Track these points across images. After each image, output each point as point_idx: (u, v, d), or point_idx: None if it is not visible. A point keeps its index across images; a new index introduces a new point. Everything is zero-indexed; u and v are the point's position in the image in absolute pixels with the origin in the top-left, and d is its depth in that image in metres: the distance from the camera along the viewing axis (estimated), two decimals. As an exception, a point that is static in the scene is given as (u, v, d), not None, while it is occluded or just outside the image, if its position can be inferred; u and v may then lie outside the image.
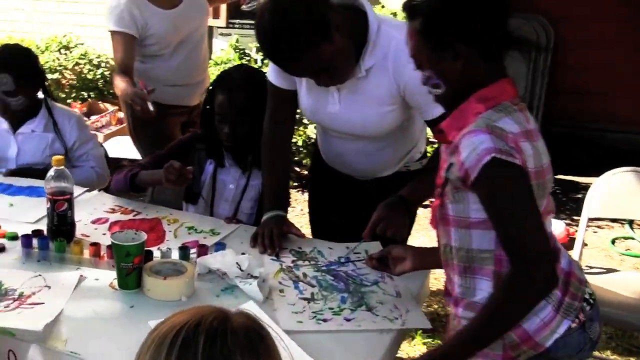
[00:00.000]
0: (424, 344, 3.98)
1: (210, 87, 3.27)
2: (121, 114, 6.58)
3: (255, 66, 3.11)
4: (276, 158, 3.05)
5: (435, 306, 4.35)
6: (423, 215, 5.31)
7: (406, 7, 2.08)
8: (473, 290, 2.08)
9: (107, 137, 6.74)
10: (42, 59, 7.15)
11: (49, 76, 7.14)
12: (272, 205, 2.96)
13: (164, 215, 3.13)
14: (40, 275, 2.54)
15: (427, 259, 2.46)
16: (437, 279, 4.24)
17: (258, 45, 2.70)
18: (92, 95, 7.52)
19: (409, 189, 2.81)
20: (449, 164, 2.02)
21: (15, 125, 3.68)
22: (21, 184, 3.38)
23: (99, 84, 7.55)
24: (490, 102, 2.00)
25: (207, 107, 3.24)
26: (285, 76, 2.89)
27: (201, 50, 4.34)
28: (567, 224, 5.41)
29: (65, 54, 7.66)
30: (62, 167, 2.79)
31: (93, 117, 7.02)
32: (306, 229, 3.47)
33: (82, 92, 7.56)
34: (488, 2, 2.01)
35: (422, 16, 2.03)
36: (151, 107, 3.49)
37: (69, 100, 7.38)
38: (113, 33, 4.01)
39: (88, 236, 2.87)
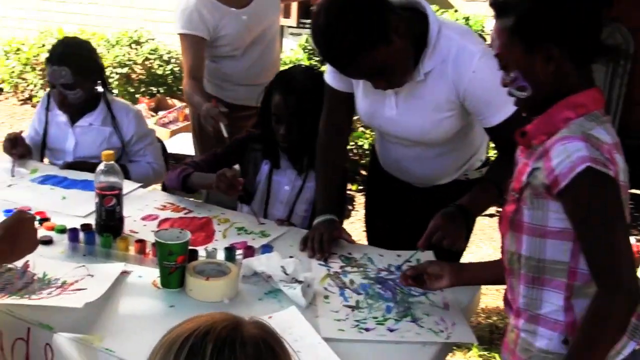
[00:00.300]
0: (480, 356, 3.90)
1: (268, 87, 3.25)
2: (188, 111, 6.63)
3: (324, 67, 3.07)
4: (330, 161, 3.02)
5: (494, 318, 4.26)
6: (488, 225, 5.24)
7: (496, 4, 2.00)
8: (539, 302, 2.01)
9: (174, 133, 6.81)
10: (112, 53, 7.30)
11: (118, 70, 7.29)
12: (324, 209, 2.93)
13: (215, 214, 3.12)
14: (84, 265, 2.57)
15: (464, 275, 2.41)
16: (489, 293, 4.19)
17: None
18: (161, 91, 7.60)
19: (468, 199, 2.74)
20: (533, 168, 1.95)
21: (73, 118, 3.73)
22: (75, 177, 3.41)
23: (168, 79, 7.63)
24: (581, 110, 1.93)
25: (264, 107, 3.22)
26: (342, 78, 2.85)
27: (273, 49, 4.22)
28: (638, 240, 5.26)
29: (136, 48, 7.75)
30: (112, 162, 2.80)
31: (161, 113, 7.10)
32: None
33: (151, 88, 7.65)
34: (585, 4, 1.93)
35: (515, 14, 1.95)
36: (225, 132, 3.33)
37: (137, 95, 7.47)
38: (182, 36, 3.89)
39: (136, 232, 2.88)
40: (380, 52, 2.49)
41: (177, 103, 7.28)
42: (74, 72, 3.53)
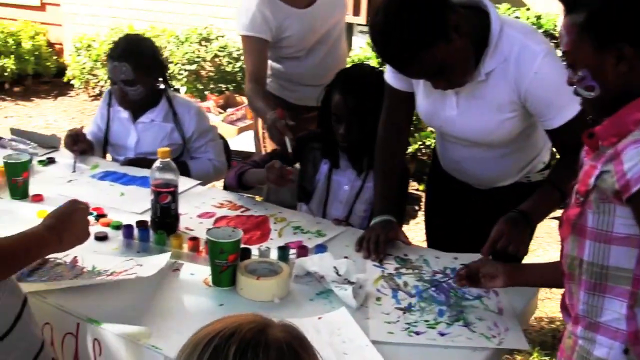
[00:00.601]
0: (540, 361, 3.86)
1: (328, 86, 3.25)
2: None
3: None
4: (389, 161, 3.01)
5: (557, 323, 4.20)
6: (555, 228, 5.15)
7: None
8: (600, 310, 1.95)
9: (241, 130, 6.84)
10: (181, 50, 7.38)
11: (187, 67, 7.37)
12: (382, 209, 2.92)
13: (272, 213, 3.13)
14: (132, 259, 2.61)
15: (520, 276, 2.37)
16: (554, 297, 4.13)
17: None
18: (230, 88, 7.65)
19: (531, 204, 2.67)
20: (601, 171, 1.88)
21: (135, 114, 3.79)
22: (135, 173, 3.46)
23: (237, 77, 7.67)
24: None
25: (324, 106, 3.23)
26: (402, 77, 2.84)
27: (339, 48, 4.07)
28: None
29: (205, 45, 7.81)
30: (168, 159, 2.83)
31: (229, 110, 7.15)
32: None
33: (220, 85, 7.70)
34: None
35: (587, 10, 1.90)
36: (289, 146, 3.22)
37: (206, 92, 7.53)
38: (244, 37, 3.80)
39: (192, 230, 2.91)
40: (439, 50, 2.46)
41: (245, 101, 7.30)
42: (134, 68, 3.58)
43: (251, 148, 5.91)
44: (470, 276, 2.41)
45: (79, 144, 3.65)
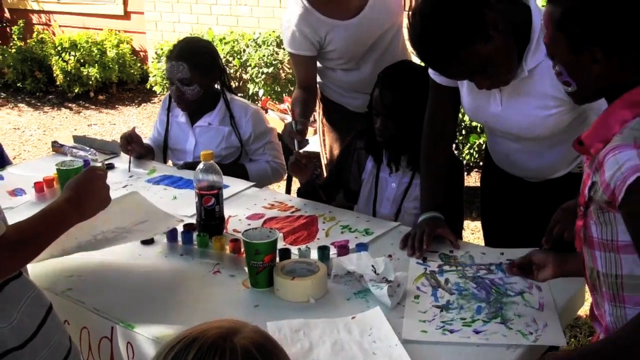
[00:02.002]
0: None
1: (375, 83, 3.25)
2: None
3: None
4: (434, 156, 2.99)
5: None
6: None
7: None
8: (625, 321, 1.90)
9: (317, 131, 6.85)
10: (259, 53, 7.44)
11: (264, 70, 7.41)
12: (428, 206, 2.90)
13: (321, 213, 3.14)
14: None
15: (569, 266, 2.29)
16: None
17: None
18: (307, 90, 7.67)
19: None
20: (592, 182, 1.87)
21: (193, 118, 3.86)
22: (190, 177, 3.49)
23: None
24: (638, 108, 1.82)
25: (370, 102, 3.25)
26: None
27: (395, 52, 3.80)
28: None
29: (283, 48, 7.85)
30: (211, 161, 2.87)
31: (302, 112, 7.18)
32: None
33: (298, 86, 7.73)
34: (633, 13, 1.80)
35: (563, 7, 1.87)
36: (296, 147, 3.34)
37: (284, 94, 7.58)
38: (289, 52, 3.81)
39: (239, 232, 2.93)
40: (479, 49, 2.44)
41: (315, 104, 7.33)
42: (191, 67, 3.66)
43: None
44: (523, 266, 2.38)
45: (132, 144, 3.73)
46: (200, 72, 3.70)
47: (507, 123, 2.76)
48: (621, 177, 1.74)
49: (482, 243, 3.30)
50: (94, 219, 2.30)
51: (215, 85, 3.85)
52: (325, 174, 4.05)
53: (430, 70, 2.90)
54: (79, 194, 2.19)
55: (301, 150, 3.30)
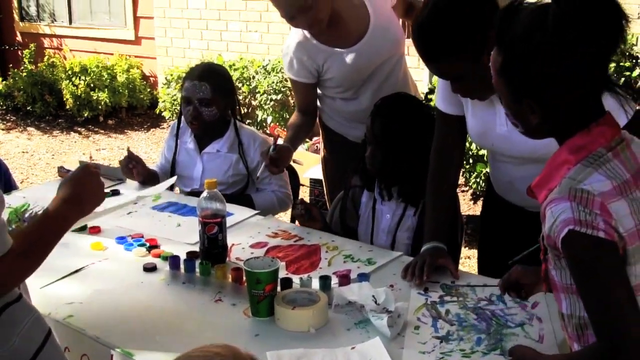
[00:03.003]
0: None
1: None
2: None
3: (433, 96, 3.05)
4: (441, 187, 3.00)
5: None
6: None
7: (498, 25, 1.95)
8: None
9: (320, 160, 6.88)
10: (268, 80, 7.48)
11: (273, 97, 7.45)
12: (432, 236, 2.91)
13: (325, 242, 3.15)
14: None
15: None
16: None
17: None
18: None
19: None
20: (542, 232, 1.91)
21: (202, 144, 3.89)
22: (194, 204, 3.52)
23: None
24: (581, 153, 1.85)
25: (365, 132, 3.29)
26: (452, 101, 2.87)
27: (396, 81, 3.75)
28: None
29: (292, 75, 7.90)
30: (215, 190, 2.89)
31: (315, 138, 7.20)
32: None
33: (307, 114, 7.77)
34: (571, 59, 1.81)
35: (504, 55, 1.90)
36: (260, 170, 3.58)
37: (292, 121, 7.62)
38: (289, 78, 3.85)
39: (242, 260, 2.94)
40: (466, 66, 2.53)
41: (310, 128, 7.35)
42: (213, 89, 3.72)
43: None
44: (512, 286, 2.41)
45: (132, 162, 3.80)
46: (220, 94, 3.76)
47: (514, 143, 2.75)
48: (557, 230, 1.79)
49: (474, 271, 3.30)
50: None
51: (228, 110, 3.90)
52: (328, 204, 4.06)
53: (437, 102, 2.94)
54: (76, 192, 2.20)
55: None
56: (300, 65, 3.67)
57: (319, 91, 3.84)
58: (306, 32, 3.60)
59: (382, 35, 3.62)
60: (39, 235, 2.06)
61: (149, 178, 3.86)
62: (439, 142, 3.00)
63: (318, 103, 3.92)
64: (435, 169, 3.01)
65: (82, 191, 2.22)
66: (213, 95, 3.72)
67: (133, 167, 3.80)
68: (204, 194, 2.89)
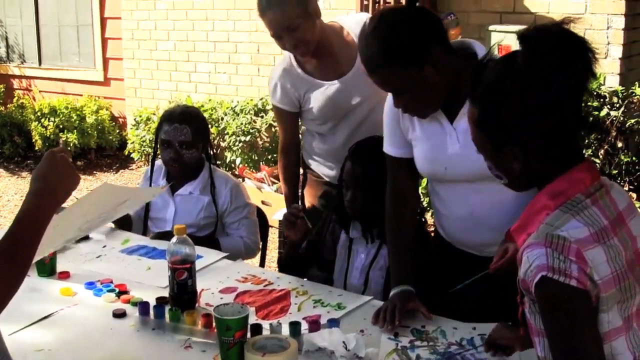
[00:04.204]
0: None
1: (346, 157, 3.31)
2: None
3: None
4: (399, 231, 3.00)
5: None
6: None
7: (470, 82, 1.97)
8: None
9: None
10: (237, 121, 7.48)
11: (241, 138, 7.45)
12: (399, 280, 2.89)
13: (294, 286, 3.13)
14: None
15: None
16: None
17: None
18: (284, 157, 7.70)
19: None
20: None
21: (174, 186, 3.89)
22: (164, 247, 3.48)
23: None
24: (560, 199, 1.88)
25: (341, 175, 3.31)
26: (400, 144, 2.93)
27: (371, 125, 3.61)
28: None
29: (261, 116, 7.91)
30: (184, 235, 2.87)
31: (283, 180, 7.20)
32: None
33: (275, 155, 7.76)
34: (545, 101, 1.84)
35: (479, 108, 1.93)
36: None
37: (261, 162, 7.61)
38: (273, 105, 3.90)
39: (211, 306, 2.91)
40: (407, 74, 2.61)
41: (301, 170, 7.35)
42: (193, 132, 3.74)
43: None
44: (492, 344, 2.42)
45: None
46: (200, 137, 3.79)
47: (468, 160, 2.69)
48: (531, 275, 1.80)
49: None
50: (73, 216, 2.33)
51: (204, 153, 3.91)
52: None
53: (384, 147, 2.98)
54: (47, 181, 2.09)
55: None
56: (283, 92, 3.73)
57: (302, 126, 3.93)
58: (293, 60, 3.68)
59: (365, 76, 3.61)
60: (19, 235, 1.95)
61: (122, 222, 3.83)
62: (391, 187, 3.02)
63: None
64: (391, 214, 3.01)
65: (51, 179, 2.10)
66: (194, 138, 3.74)
67: None
68: (174, 239, 2.86)
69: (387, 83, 2.72)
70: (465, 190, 2.87)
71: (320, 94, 3.67)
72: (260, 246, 3.96)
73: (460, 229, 2.99)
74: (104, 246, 3.56)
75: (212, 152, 3.99)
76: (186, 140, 3.73)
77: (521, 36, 1.87)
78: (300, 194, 4.12)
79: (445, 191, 2.97)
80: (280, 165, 3.94)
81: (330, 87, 3.64)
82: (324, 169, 3.90)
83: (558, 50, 1.82)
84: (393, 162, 2.98)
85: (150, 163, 3.99)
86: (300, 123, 3.93)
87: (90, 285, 3.10)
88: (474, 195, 2.86)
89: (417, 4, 6.33)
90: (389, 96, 2.92)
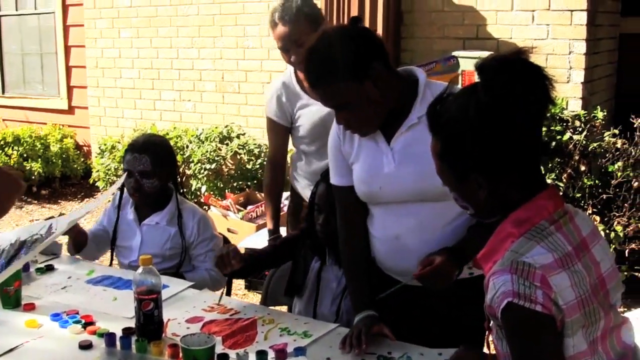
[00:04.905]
0: None
1: (318, 180, 3.35)
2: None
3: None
4: (354, 257, 3.03)
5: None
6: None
7: (429, 115, 2.02)
8: None
9: (260, 227, 6.88)
10: (202, 149, 7.49)
11: (207, 166, 7.46)
12: (361, 306, 2.92)
13: (261, 315, 3.15)
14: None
15: None
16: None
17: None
18: (250, 185, 7.73)
19: (463, 242, 2.77)
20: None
21: (141, 215, 3.91)
22: (130, 277, 3.49)
23: (257, 174, 7.75)
24: (524, 226, 1.92)
25: (311, 199, 3.34)
26: (344, 173, 2.97)
27: None
28: None
29: (227, 143, 7.92)
30: (150, 265, 2.88)
31: (249, 207, 7.21)
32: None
33: (240, 182, 7.79)
34: (507, 130, 1.90)
35: (441, 140, 1.98)
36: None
37: (226, 190, 7.61)
38: (266, 117, 4.12)
39: (178, 336, 2.92)
40: (348, 88, 2.66)
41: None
42: (152, 161, 3.75)
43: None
44: None
45: None
46: (160, 166, 3.79)
47: (401, 179, 2.79)
48: (497, 301, 1.84)
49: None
50: None
51: (170, 182, 3.92)
52: None
53: (331, 179, 3.03)
54: None
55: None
56: (278, 104, 4.00)
57: (293, 147, 4.10)
58: (293, 75, 3.94)
59: None
60: None
61: (77, 243, 3.89)
62: (342, 215, 3.05)
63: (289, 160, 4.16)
64: (344, 242, 3.05)
65: None
66: (153, 168, 3.75)
67: None
68: (139, 270, 2.87)
69: (328, 98, 2.76)
70: (397, 212, 2.90)
71: (312, 113, 3.88)
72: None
73: (387, 253, 3.01)
74: (69, 277, 3.56)
75: (180, 181, 4.01)
76: (145, 169, 3.75)
77: (480, 67, 1.92)
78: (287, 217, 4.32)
79: (378, 213, 2.99)
80: (265, 182, 4.18)
81: (322, 108, 3.64)
82: (307, 192, 3.94)
83: (517, 80, 1.87)
84: (341, 192, 3.01)
85: (119, 190, 3.98)
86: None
87: (55, 316, 3.09)
88: (404, 218, 2.88)
89: (382, 30, 6.48)
90: (333, 128, 3.00)
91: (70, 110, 10.10)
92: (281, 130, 4.07)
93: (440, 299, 2.88)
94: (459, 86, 2.58)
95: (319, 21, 3.88)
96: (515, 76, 1.88)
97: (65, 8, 9.93)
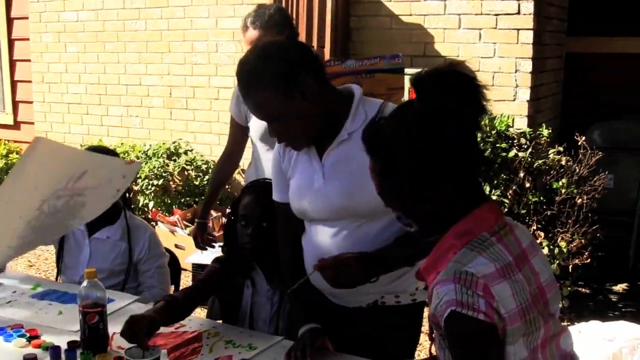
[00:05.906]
0: None
1: (239, 195, 3.35)
2: (225, 219, 6.74)
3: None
4: (294, 269, 3.04)
5: None
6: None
7: (366, 138, 2.08)
8: None
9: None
10: (149, 165, 7.50)
11: (154, 182, 7.47)
12: (303, 319, 2.95)
13: (206, 328, 3.20)
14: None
15: None
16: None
17: None
18: (197, 201, 7.76)
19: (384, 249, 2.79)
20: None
21: (91, 229, 3.92)
22: (75, 291, 3.51)
23: (205, 190, 7.76)
24: (466, 238, 1.99)
25: (232, 214, 3.34)
26: (285, 188, 3.00)
27: None
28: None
29: (174, 159, 7.95)
30: (95, 279, 2.92)
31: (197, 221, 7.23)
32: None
33: (188, 198, 7.82)
34: (440, 141, 1.97)
35: (380, 157, 2.04)
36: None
37: (174, 206, 7.64)
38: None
39: (123, 349, 2.96)
40: (277, 100, 2.70)
41: (214, 213, 7.39)
42: None
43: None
44: None
45: None
46: None
47: (329, 195, 2.83)
48: (441, 310, 1.91)
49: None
50: (22, 188, 2.39)
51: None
52: None
53: (273, 195, 3.06)
54: None
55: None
56: (237, 102, 4.26)
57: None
58: None
59: None
60: None
61: None
62: (284, 231, 3.08)
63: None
64: (286, 258, 3.08)
65: None
66: None
67: None
68: (84, 283, 2.91)
69: (258, 109, 2.80)
70: (328, 230, 2.92)
71: None
72: (172, 292, 3.99)
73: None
74: (14, 291, 3.58)
75: (128, 197, 4.03)
76: None
77: (415, 81, 2.00)
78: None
79: (312, 230, 3.01)
80: (212, 172, 4.51)
81: None
82: None
83: (450, 91, 1.95)
84: (283, 208, 3.03)
85: None
86: None
87: (0, 331, 3.11)
88: (334, 236, 2.90)
89: (330, 46, 6.55)
90: (276, 144, 3.02)
91: (16, 125, 10.04)
92: (237, 128, 4.32)
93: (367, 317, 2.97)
94: (394, 105, 2.63)
95: (287, 31, 4.18)
96: (449, 87, 1.96)
97: (10, 21, 9.88)
